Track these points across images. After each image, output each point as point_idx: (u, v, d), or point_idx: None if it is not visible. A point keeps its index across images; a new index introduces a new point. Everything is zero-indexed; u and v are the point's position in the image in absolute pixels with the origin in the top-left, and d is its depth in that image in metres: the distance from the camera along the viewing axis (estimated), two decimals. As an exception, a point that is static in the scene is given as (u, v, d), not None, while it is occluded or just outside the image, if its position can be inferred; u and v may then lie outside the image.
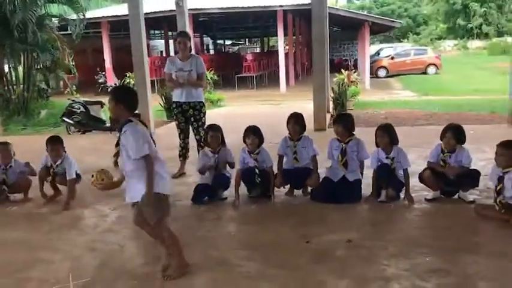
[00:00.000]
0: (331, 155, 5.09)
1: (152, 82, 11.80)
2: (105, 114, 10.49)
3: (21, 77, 13.89)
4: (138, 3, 9.42)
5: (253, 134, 5.12)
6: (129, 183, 3.37)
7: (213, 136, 5.22)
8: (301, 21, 24.65)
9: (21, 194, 5.51)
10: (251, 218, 4.77)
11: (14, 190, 5.49)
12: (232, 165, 5.28)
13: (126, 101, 3.33)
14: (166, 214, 3.43)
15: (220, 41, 41.32)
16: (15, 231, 4.59)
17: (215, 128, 5.30)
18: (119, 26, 22.21)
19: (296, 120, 5.16)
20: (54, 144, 5.33)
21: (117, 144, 4.03)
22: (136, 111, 3.39)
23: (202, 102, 6.26)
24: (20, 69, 13.98)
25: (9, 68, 13.54)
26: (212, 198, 5.17)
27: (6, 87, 13.30)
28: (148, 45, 18.29)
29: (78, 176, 5.38)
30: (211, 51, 36.63)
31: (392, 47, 32.61)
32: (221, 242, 4.11)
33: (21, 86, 13.70)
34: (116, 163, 5.85)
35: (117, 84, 11.77)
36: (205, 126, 5.85)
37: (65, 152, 5.38)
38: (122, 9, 18.84)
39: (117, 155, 5.47)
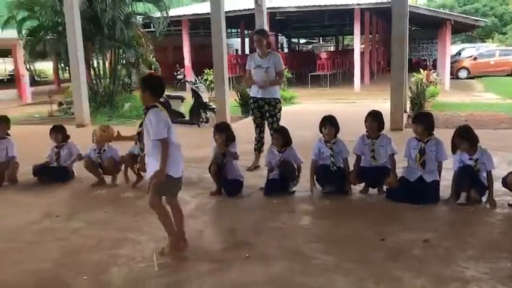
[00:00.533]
0: (408, 154, 5.02)
1: (228, 79, 12.11)
2: (184, 108, 10.95)
3: (107, 72, 14.79)
4: (220, 2, 9.74)
5: (329, 123, 5.18)
6: (148, 161, 3.76)
7: (276, 138, 5.48)
8: (378, 20, 24.13)
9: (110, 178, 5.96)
10: (325, 213, 4.83)
11: (106, 173, 5.99)
12: (298, 166, 5.41)
13: (152, 89, 3.71)
14: (172, 193, 3.85)
15: (294, 40, 41.36)
16: (104, 212, 4.97)
17: (278, 131, 5.55)
18: (199, 25, 22.98)
19: (374, 118, 5.14)
20: None
21: (141, 125, 4.50)
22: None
23: (278, 98, 6.40)
24: (107, 64, 14.88)
25: (98, 63, 14.44)
26: (282, 191, 5.28)
27: (94, 81, 14.21)
28: (225, 43, 18.77)
29: None
30: (286, 50, 36.77)
31: (474, 47, 31.00)
32: (296, 234, 4.21)
33: (108, 80, 14.59)
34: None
35: (196, 81, 12.18)
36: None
37: None
38: (203, 8, 19.49)
39: (139, 133, 5.72)
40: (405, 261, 3.56)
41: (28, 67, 16.05)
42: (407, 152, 5.04)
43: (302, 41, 46.32)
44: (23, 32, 13.87)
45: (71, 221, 4.74)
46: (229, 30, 30.63)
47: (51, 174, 6.03)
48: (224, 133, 5.33)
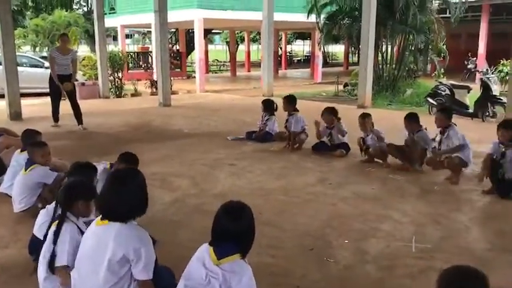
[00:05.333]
0: None
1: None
2: (469, 99, 10.28)
3: (393, 57, 14.96)
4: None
5: None
6: None
7: None
8: None
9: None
10: None
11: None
12: None
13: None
14: None
15: None
16: (371, 189, 5.22)
17: None
18: (501, 10, 20.82)
19: None
20: (408, 118, 5.89)
21: None
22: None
23: None
24: (395, 49, 15.04)
25: (386, 47, 14.72)
26: None
27: (380, 65, 14.59)
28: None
29: None
30: None
31: None
32: None
33: (393, 65, 14.78)
34: None
35: (488, 71, 11.20)
36: None
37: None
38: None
39: None
40: None
41: (322, 49, 17.47)
42: None
43: None
44: (322, 16, 15.20)
45: (340, 189, 5.17)
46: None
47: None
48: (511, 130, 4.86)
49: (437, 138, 5.56)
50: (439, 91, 10.51)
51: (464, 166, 5.40)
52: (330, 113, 6.62)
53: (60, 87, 8.54)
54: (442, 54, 15.47)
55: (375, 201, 4.82)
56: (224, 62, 33.78)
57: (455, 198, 4.96)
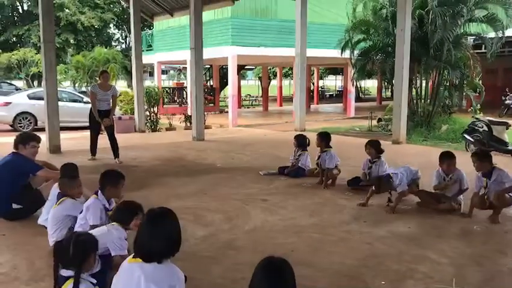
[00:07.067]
0: None
1: None
2: (508, 136, 10.00)
3: (427, 92, 14.79)
4: None
5: None
6: None
7: None
8: None
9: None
10: None
11: None
12: None
13: None
14: None
15: None
16: (408, 228, 5.07)
17: None
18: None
19: None
20: (451, 159, 5.64)
21: None
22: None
23: None
24: (427, 84, 14.88)
25: (420, 83, 14.59)
26: None
27: (414, 101, 14.44)
28: None
29: None
30: None
31: None
32: None
33: (428, 100, 14.59)
34: None
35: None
36: None
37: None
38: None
39: None
40: None
41: (355, 84, 17.47)
42: None
43: None
44: (355, 52, 15.26)
45: (376, 228, 5.04)
46: None
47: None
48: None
49: (482, 183, 5.35)
50: (476, 127, 10.26)
51: None
52: (371, 147, 6.48)
53: (101, 123, 8.82)
54: (477, 90, 15.20)
55: (411, 240, 4.67)
56: (256, 96, 34.17)
57: (497, 238, 4.77)
